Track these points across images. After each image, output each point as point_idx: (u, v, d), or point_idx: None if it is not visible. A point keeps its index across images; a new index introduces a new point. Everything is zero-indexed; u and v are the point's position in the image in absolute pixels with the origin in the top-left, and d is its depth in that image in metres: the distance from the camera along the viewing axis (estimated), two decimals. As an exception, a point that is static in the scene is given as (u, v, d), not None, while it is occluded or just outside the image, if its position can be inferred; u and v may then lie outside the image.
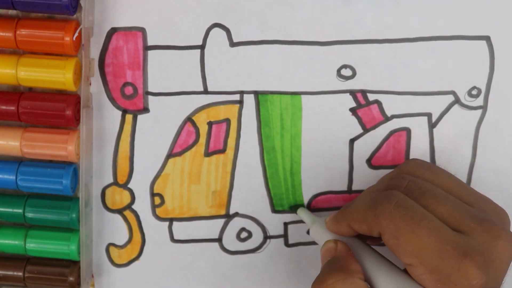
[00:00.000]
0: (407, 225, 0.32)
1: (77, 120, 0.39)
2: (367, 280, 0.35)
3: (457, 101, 0.41)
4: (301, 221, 0.44)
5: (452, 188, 0.36)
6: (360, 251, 0.36)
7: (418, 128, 0.41)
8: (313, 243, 0.44)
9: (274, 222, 0.44)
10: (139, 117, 0.40)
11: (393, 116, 0.41)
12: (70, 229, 0.41)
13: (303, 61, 0.40)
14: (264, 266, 0.45)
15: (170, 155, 0.41)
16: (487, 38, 0.40)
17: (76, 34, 0.37)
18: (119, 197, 0.42)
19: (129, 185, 0.42)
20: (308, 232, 0.42)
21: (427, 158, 0.42)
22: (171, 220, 0.43)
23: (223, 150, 0.41)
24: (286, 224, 0.44)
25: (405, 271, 0.34)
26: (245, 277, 0.45)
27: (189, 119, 0.41)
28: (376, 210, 0.33)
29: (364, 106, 0.41)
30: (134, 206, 0.42)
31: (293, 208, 0.43)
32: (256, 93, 0.40)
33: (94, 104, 0.40)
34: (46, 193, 0.40)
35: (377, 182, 0.39)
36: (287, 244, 0.44)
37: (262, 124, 0.41)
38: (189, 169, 0.42)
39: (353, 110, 0.41)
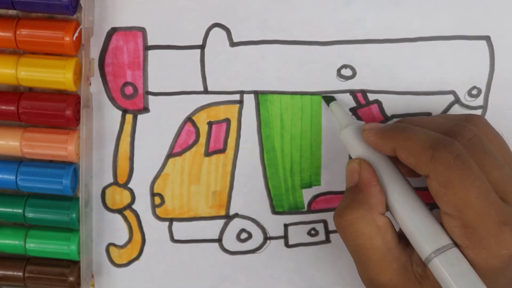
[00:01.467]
0: (460, 179, 0.32)
1: (77, 120, 0.39)
2: (389, 207, 0.35)
3: (457, 101, 0.41)
4: (301, 223, 0.44)
5: (508, 160, 0.36)
6: (386, 176, 0.35)
7: (418, 128, 0.41)
8: (313, 243, 0.44)
9: (274, 223, 0.44)
10: (139, 117, 0.40)
11: (393, 116, 0.41)
12: (70, 229, 0.41)
13: (303, 61, 0.40)
14: (264, 267, 0.45)
15: (170, 155, 0.41)
16: (487, 38, 0.40)
17: (76, 34, 0.37)
18: (119, 197, 0.42)
19: (129, 185, 0.42)
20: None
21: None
22: (171, 220, 0.43)
23: (223, 150, 0.41)
24: (286, 226, 0.44)
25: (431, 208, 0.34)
26: (245, 278, 0.45)
27: (189, 119, 0.41)
28: (435, 152, 0.32)
29: (364, 106, 0.41)
30: (134, 206, 0.42)
31: (326, 100, 0.40)
32: (256, 93, 0.40)
33: (94, 104, 0.40)
34: (46, 193, 0.40)
35: (437, 118, 0.38)
36: (287, 245, 0.44)
37: (262, 124, 0.41)
38: (189, 169, 0.42)
39: (353, 110, 0.41)
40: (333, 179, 0.43)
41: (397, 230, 0.35)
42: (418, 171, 0.34)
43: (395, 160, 0.36)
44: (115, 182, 0.42)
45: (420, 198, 0.35)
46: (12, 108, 0.38)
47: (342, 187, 0.43)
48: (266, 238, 0.44)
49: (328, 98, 0.40)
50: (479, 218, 0.32)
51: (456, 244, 0.33)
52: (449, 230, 0.33)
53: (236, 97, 0.40)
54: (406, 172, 0.36)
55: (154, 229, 0.43)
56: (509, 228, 0.31)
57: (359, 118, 0.41)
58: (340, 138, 0.38)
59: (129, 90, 0.40)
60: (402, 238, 0.35)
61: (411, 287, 0.34)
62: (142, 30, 0.39)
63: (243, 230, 0.44)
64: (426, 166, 0.33)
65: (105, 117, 0.40)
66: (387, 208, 0.35)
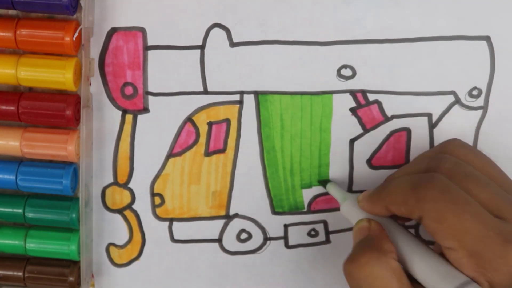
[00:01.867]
0: (450, 209, 0.32)
1: (77, 120, 0.39)
2: (401, 261, 0.34)
3: (457, 101, 0.41)
4: (301, 223, 0.44)
5: (493, 173, 0.35)
6: (393, 231, 0.36)
7: (418, 128, 0.41)
8: (313, 244, 0.44)
9: (274, 224, 0.44)
10: (139, 117, 0.40)
11: (393, 116, 0.41)
12: (70, 229, 0.41)
13: (303, 61, 0.40)
14: (264, 267, 0.45)
15: (170, 155, 0.41)
16: (487, 38, 0.40)
17: (76, 34, 0.37)
18: (119, 197, 0.42)
19: (129, 185, 0.42)
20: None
21: (427, 158, 0.42)
22: (171, 220, 0.43)
23: (223, 150, 0.41)
24: (286, 226, 0.44)
25: (441, 255, 0.33)
26: (245, 278, 0.45)
27: (189, 119, 0.41)
28: (419, 193, 0.33)
29: (364, 106, 0.41)
30: (134, 206, 0.42)
31: (322, 183, 0.42)
32: (256, 93, 0.40)
33: (94, 104, 0.40)
34: (46, 193, 0.40)
35: (415, 160, 0.38)
36: (287, 246, 0.44)
37: (262, 124, 0.41)
38: (189, 169, 0.42)
39: (353, 110, 0.41)
40: (333, 179, 0.43)
41: None
42: (412, 218, 0.34)
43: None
44: (115, 182, 0.42)
45: (427, 246, 0.34)
46: (12, 108, 0.38)
47: (342, 187, 0.43)
48: (266, 238, 0.44)
49: (324, 181, 0.42)
50: (481, 243, 0.31)
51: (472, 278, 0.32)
52: (458, 265, 0.32)
53: (236, 97, 0.40)
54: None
55: (154, 229, 0.43)
56: None
57: (359, 118, 0.41)
58: (341, 213, 0.39)
59: (129, 90, 0.40)
60: (414, 283, 0.34)
61: None
62: (142, 30, 0.39)
63: (243, 230, 0.44)
64: (415, 208, 0.33)
65: (105, 117, 0.40)
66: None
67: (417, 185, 0.33)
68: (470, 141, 0.42)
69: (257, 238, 0.44)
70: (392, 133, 0.41)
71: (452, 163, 0.34)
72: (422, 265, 0.33)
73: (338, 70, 0.40)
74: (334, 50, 0.40)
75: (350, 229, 0.44)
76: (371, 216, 0.37)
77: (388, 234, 0.35)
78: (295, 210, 0.43)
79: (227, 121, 0.41)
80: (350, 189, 0.43)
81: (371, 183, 0.43)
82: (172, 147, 0.41)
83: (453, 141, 0.37)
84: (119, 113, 0.40)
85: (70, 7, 0.36)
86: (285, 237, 0.44)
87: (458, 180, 0.33)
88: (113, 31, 0.39)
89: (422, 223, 0.33)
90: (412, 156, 0.42)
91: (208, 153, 0.41)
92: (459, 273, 0.32)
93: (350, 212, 0.38)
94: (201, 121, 0.41)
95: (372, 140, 0.42)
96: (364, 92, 0.40)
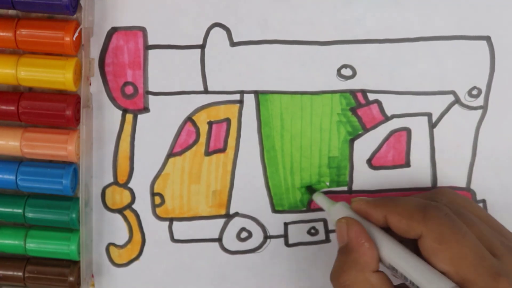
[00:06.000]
0: (453, 233, 0.33)
1: (77, 120, 0.39)
2: (384, 258, 0.35)
3: (457, 101, 0.41)
4: (301, 221, 0.44)
5: (483, 217, 0.37)
6: (376, 229, 0.36)
7: (418, 128, 0.41)
8: (313, 243, 0.44)
9: (274, 222, 0.44)
10: (140, 116, 0.40)
11: (393, 116, 0.41)
12: (70, 229, 0.41)
13: (303, 61, 0.40)
14: (264, 266, 0.45)
15: (170, 154, 0.41)
16: (487, 38, 0.40)
17: (76, 34, 0.37)
18: (119, 197, 0.42)
19: (129, 185, 0.42)
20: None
21: (427, 158, 0.42)
22: (171, 220, 0.43)
23: (223, 149, 0.41)
24: (286, 224, 0.44)
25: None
26: (245, 277, 0.45)
27: (189, 119, 0.41)
28: (426, 212, 0.34)
29: (364, 105, 0.41)
30: (134, 206, 0.42)
31: (309, 190, 0.42)
32: (256, 93, 0.40)
33: (94, 104, 0.40)
34: (46, 193, 0.40)
35: (410, 197, 0.39)
36: (287, 244, 0.44)
37: (262, 124, 0.41)
38: (189, 168, 0.42)
39: (353, 110, 0.41)
40: (332, 178, 0.43)
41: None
42: (409, 234, 0.35)
43: None
44: (115, 182, 0.42)
45: (411, 252, 0.35)
46: (12, 108, 0.38)
47: (342, 186, 0.43)
48: (266, 237, 0.44)
49: (311, 189, 0.42)
50: (475, 271, 0.32)
51: None
52: None
53: (236, 97, 0.40)
54: None
55: (154, 229, 0.43)
56: (504, 279, 0.32)
57: (359, 117, 0.41)
58: (330, 219, 0.40)
59: (129, 89, 0.40)
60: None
61: None
62: (143, 30, 0.39)
63: (243, 229, 0.44)
64: (419, 225, 0.34)
65: (105, 117, 0.40)
66: (383, 260, 0.35)
67: (426, 206, 0.35)
68: (470, 141, 0.42)
69: (257, 236, 0.44)
70: (392, 132, 0.41)
71: (447, 202, 0.37)
72: (410, 266, 0.34)
73: (338, 70, 0.40)
74: (334, 50, 0.40)
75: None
76: (356, 218, 0.37)
77: (371, 234, 0.36)
78: (295, 208, 0.43)
79: (227, 121, 0.41)
80: (350, 189, 0.43)
81: (371, 183, 0.43)
82: (172, 146, 0.41)
83: (445, 188, 0.40)
84: (119, 112, 0.40)
85: (70, 7, 0.36)
86: (285, 236, 0.44)
87: (455, 214, 0.35)
88: (113, 30, 0.39)
89: (419, 241, 0.34)
90: (412, 156, 0.42)
91: (208, 153, 0.41)
92: (448, 280, 0.33)
93: (338, 215, 0.38)
94: (201, 120, 0.41)
95: (372, 140, 0.42)
96: (364, 92, 0.41)
